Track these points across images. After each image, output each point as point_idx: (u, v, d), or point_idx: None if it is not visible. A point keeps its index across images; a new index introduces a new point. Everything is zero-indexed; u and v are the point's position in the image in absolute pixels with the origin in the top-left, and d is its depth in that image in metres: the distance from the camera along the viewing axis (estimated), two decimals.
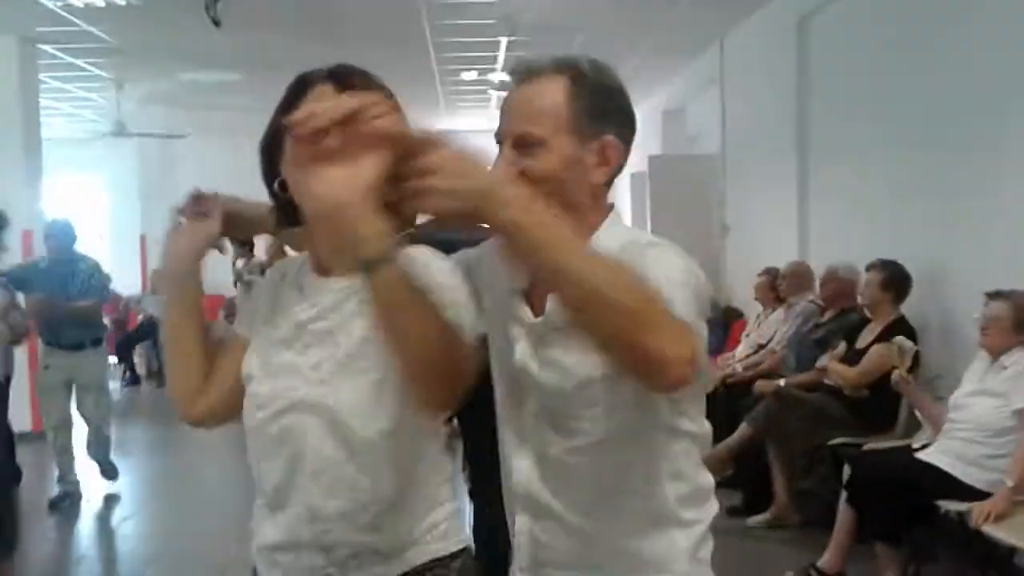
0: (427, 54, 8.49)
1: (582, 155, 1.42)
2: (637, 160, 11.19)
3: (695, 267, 1.37)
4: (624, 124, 1.49)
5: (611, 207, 1.53)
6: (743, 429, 4.82)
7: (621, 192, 12.96)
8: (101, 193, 13.76)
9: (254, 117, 8.82)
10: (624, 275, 1.13)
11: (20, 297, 5.28)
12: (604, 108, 1.44)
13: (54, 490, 5.52)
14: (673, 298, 1.20)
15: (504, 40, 7.93)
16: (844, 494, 3.96)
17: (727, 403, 5.55)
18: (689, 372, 1.14)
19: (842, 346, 4.85)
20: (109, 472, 5.75)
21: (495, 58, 8.69)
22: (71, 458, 5.58)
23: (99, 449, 5.66)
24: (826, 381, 4.85)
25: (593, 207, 1.48)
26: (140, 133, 10.14)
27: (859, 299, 5.01)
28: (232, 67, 8.88)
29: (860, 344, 4.70)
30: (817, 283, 5.60)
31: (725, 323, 7.56)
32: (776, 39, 6.88)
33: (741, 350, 6.26)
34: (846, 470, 4.09)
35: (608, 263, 1.15)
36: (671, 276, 1.27)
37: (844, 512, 3.93)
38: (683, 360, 1.12)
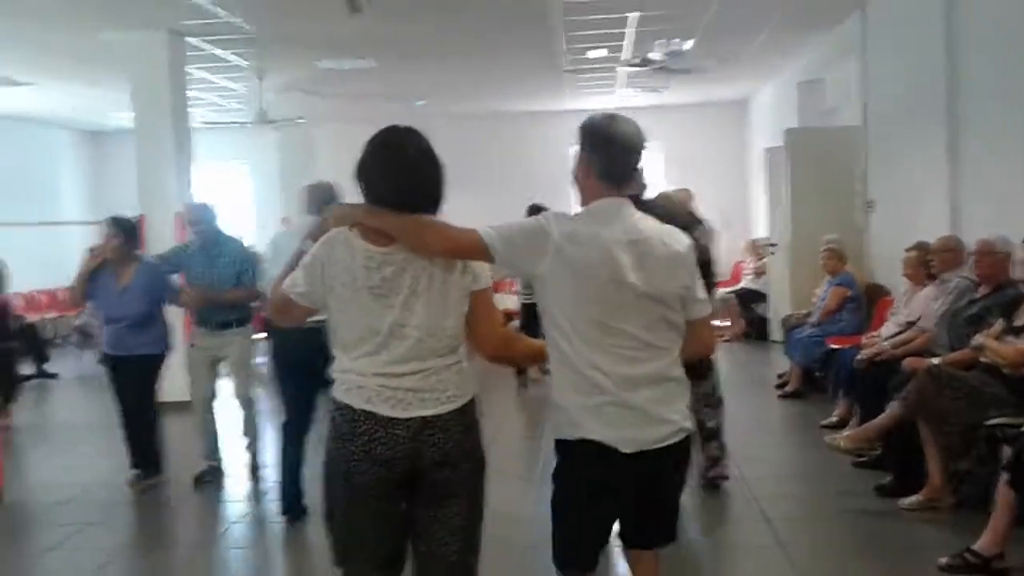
0: (554, 33, 8.48)
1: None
2: (771, 134, 10.90)
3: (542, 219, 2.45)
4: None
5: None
6: (893, 408, 4.65)
7: (754, 167, 12.66)
8: (246, 180, 14.42)
9: (385, 105, 9.21)
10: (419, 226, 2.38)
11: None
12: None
13: (200, 465, 5.67)
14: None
15: (634, 16, 7.84)
16: (1004, 476, 3.77)
17: (874, 381, 5.37)
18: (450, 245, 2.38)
19: (999, 323, 4.60)
20: (253, 447, 5.84)
21: (623, 35, 8.60)
22: (215, 435, 5.73)
23: (247, 426, 5.80)
24: (982, 359, 4.61)
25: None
26: (280, 120, 10.49)
27: (1016, 274, 4.73)
28: (366, 54, 9.11)
29: (1018, 321, 4.45)
30: (970, 258, 5.32)
31: (870, 300, 7.29)
32: (923, 4, 6.55)
33: (888, 328, 6.02)
34: (1005, 451, 3.89)
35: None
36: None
37: (1003, 494, 3.74)
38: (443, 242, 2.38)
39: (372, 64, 9.47)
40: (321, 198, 4.62)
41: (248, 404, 5.75)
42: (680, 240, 2.50)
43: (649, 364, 2.42)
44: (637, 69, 9.48)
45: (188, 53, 8.40)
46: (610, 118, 2.49)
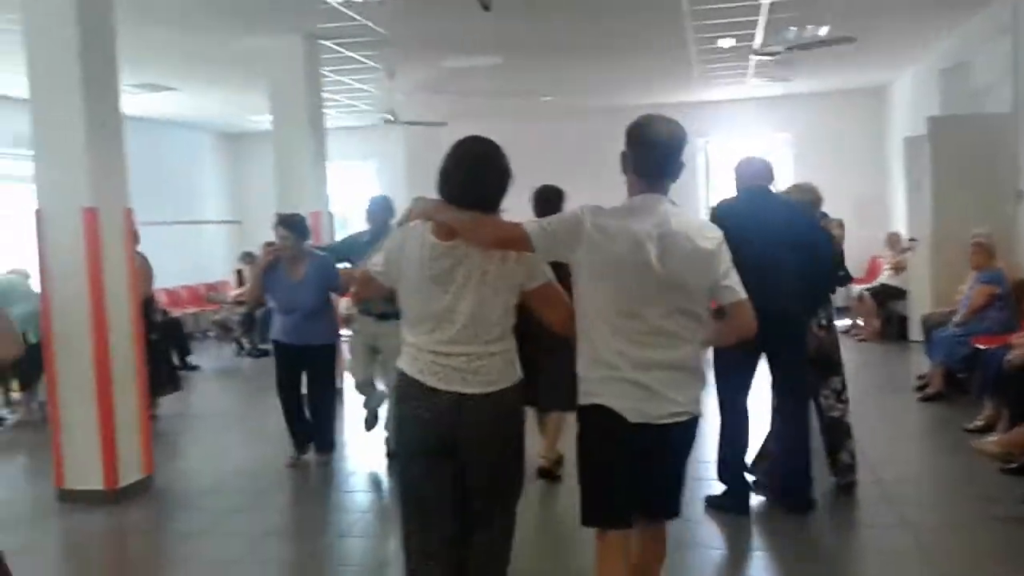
0: (683, 23, 8.33)
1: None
2: (911, 123, 10.40)
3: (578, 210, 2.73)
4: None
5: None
6: None
7: (893, 158, 12.11)
8: (373, 179, 14.79)
9: (507, 101, 9.20)
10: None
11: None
12: None
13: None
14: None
15: (765, 2, 7.62)
16: None
17: (1022, 383, 5.07)
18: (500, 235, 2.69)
19: None
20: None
21: (754, 22, 8.37)
22: (374, 417, 6.12)
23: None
24: None
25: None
26: (408, 121, 10.70)
27: None
28: (494, 51, 9.18)
29: None
30: None
31: (1019, 297, 6.87)
32: None
33: None
34: None
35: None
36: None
37: None
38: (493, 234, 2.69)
39: (498, 61, 9.54)
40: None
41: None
42: (708, 236, 2.72)
43: (664, 351, 2.68)
44: (768, 58, 9.20)
45: (322, 56, 8.65)
46: (648, 118, 2.78)
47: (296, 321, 5.71)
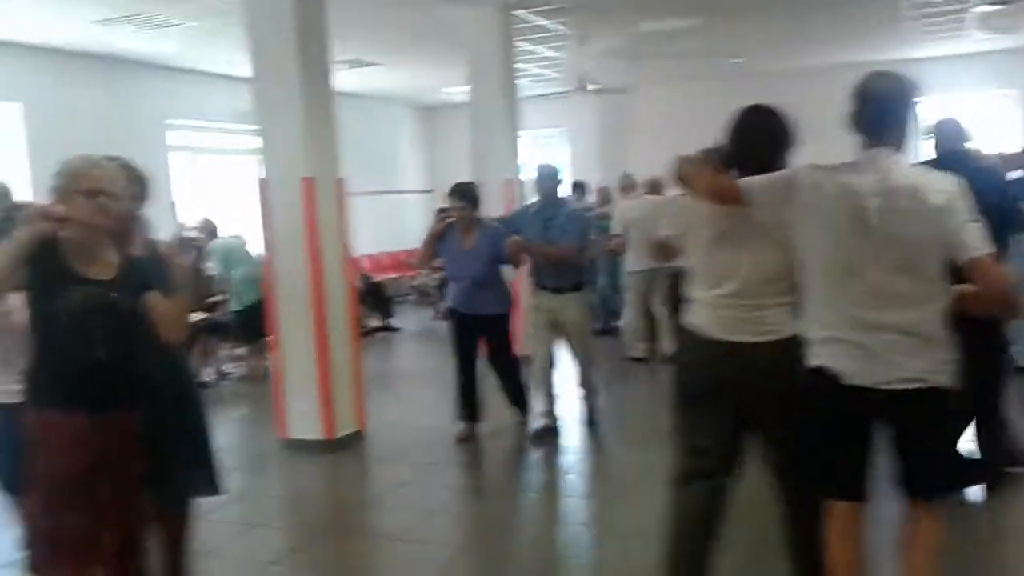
0: None
1: None
2: None
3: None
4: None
5: None
6: None
7: None
8: (563, 146, 14.88)
9: (708, 63, 8.95)
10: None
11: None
12: None
13: (536, 423, 5.96)
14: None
15: None
16: None
17: None
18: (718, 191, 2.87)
19: None
20: (592, 415, 6.07)
21: None
22: (552, 396, 5.94)
23: (583, 378, 6.05)
24: None
25: None
26: (599, 87, 10.65)
27: None
28: (691, 13, 8.97)
29: None
30: None
31: None
32: None
33: None
34: None
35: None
36: None
37: None
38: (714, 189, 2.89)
39: (696, 23, 9.32)
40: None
41: (586, 361, 5.98)
42: (940, 189, 2.60)
43: (890, 313, 2.58)
44: (993, 8, 8.49)
45: (515, 26, 8.76)
46: (873, 75, 2.76)
47: (467, 289, 5.73)
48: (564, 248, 5.69)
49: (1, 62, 8.71)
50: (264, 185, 5.85)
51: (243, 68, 6.02)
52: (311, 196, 5.69)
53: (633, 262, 8.20)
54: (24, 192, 8.82)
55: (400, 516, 4.73)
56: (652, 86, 12.07)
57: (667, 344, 7.98)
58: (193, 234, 8.58)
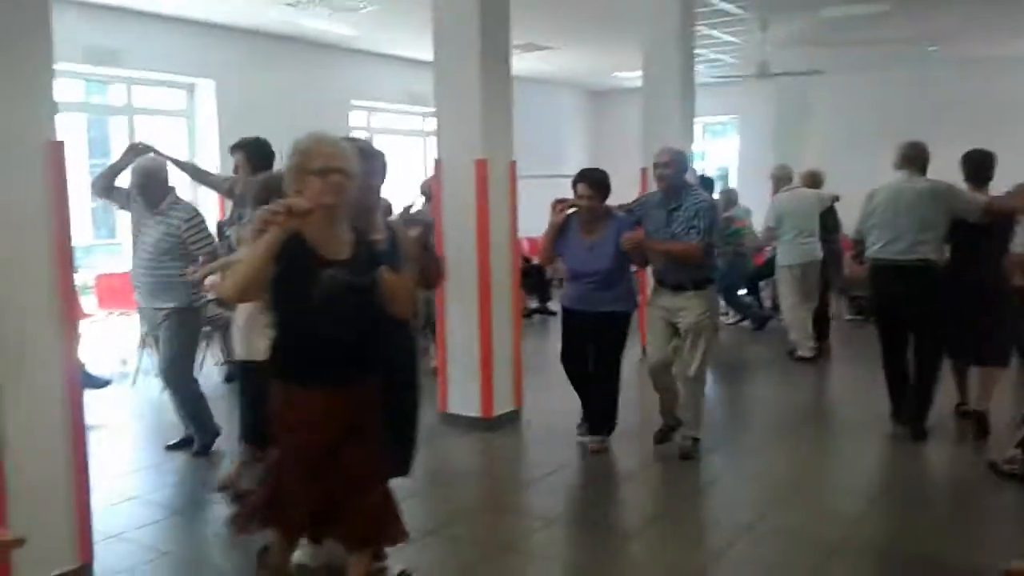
0: None
1: None
2: None
3: None
4: None
5: None
6: None
7: None
8: (731, 136, 14.50)
9: (900, 49, 8.44)
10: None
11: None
12: None
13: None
14: None
15: None
16: None
17: None
18: None
19: None
20: (689, 449, 5.32)
21: None
22: (673, 398, 5.39)
23: (688, 400, 5.32)
24: None
25: None
26: (781, 73, 10.27)
27: None
28: None
29: None
30: None
31: None
32: None
33: None
34: None
35: None
36: None
37: None
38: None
39: (885, 8, 8.82)
40: None
41: (693, 380, 5.20)
42: None
43: None
44: None
45: (696, 10, 8.56)
46: None
47: (587, 288, 5.17)
48: (688, 245, 5.01)
49: (195, 40, 9.30)
50: (439, 166, 5.98)
51: (420, 50, 6.16)
52: (483, 177, 5.77)
53: (785, 255, 8.06)
54: (213, 166, 9.50)
55: (555, 499, 4.76)
56: (840, 73, 11.53)
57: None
58: (419, 207, 8.81)
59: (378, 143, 11.65)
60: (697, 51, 10.41)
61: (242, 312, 4.11)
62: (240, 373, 4.56)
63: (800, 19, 9.46)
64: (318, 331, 2.79)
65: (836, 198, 8.68)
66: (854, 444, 5.75)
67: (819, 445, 5.81)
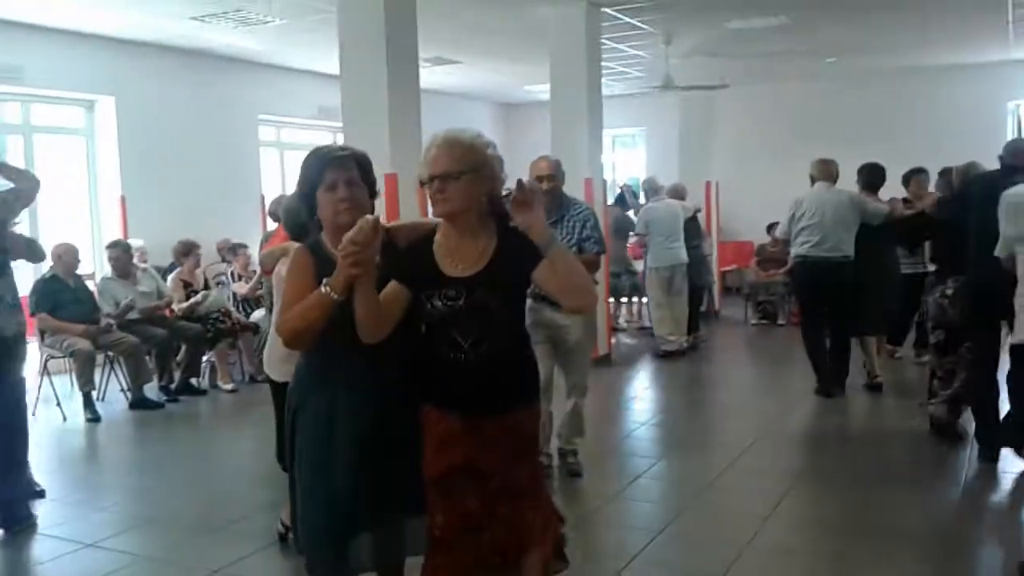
0: None
1: None
2: None
3: None
4: None
5: None
6: None
7: None
8: (639, 147, 14.77)
9: (798, 61, 8.71)
10: None
11: None
12: None
13: None
14: None
15: None
16: None
17: None
18: None
19: None
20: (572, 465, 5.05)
21: None
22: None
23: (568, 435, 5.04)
24: None
25: None
26: (686, 86, 10.51)
27: None
28: (779, 10, 8.79)
29: None
30: None
31: None
32: None
33: None
34: None
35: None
36: None
37: None
38: None
39: (785, 21, 9.12)
40: None
41: (580, 393, 4.95)
42: None
43: None
44: None
45: (602, 24, 8.69)
46: None
47: None
48: (590, 257, 4.62)
49: (95, 56, 9.02)
50: None
51: (330, 65, 6.11)
52: (393, 192, 5.73)
53: (654, 258, 8.93)
54: (114, 185, 9.24)
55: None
56: (737, 86, 11.87)
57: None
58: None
59: (288, 158, 11.66)
60: (604, 64, 10.59)
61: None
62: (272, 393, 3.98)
63: (702, 32, 9.70)
64: (436, 353, 2.50)
65: (698, 209, 10.08)
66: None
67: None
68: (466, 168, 2.42)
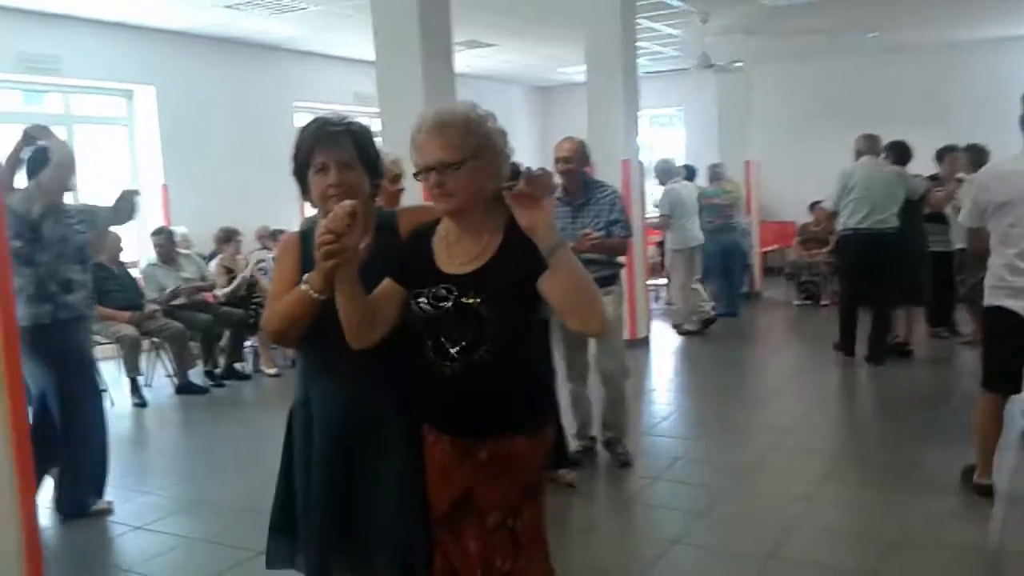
0: None
1: None
2: None
3: None
4: None
5: None
6: None
7: None
8: (679, 126, 14.63)
9: (830, 40, 8.57)
10: None
11: None
12: None
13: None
14: None
15: None
16: None
17: None
18: None
19: None
20: (621, 454, 4.96)
21: None
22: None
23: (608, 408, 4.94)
24: None
25: None
26: (722, 64, 10.39)
27: None
28: None
29: None
30: None
31: None
32: None
33: None
34: None
35: None
36: None
37: None
38: None
39: None
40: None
41: (615, 379, 4.86)
42: None
43: None
44: None
45: (637, 3, 8.61)
46: None
47: None
48: (619, 240, 4.57)
49: (134, 46, 9.12)
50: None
51: (365, 51, 6.11)
52: None
53: (676, 240, 9.10)
54: (156, 174, 9.36)
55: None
56: (776, 62, 11.72)
57: None
58: None
59: None
60: (639, 44, 10.50)
61: None
62: None
63: (741, 9, 9.57)
64: (422, 362, 2.14)
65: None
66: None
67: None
68: (466, 154, 2.02)
